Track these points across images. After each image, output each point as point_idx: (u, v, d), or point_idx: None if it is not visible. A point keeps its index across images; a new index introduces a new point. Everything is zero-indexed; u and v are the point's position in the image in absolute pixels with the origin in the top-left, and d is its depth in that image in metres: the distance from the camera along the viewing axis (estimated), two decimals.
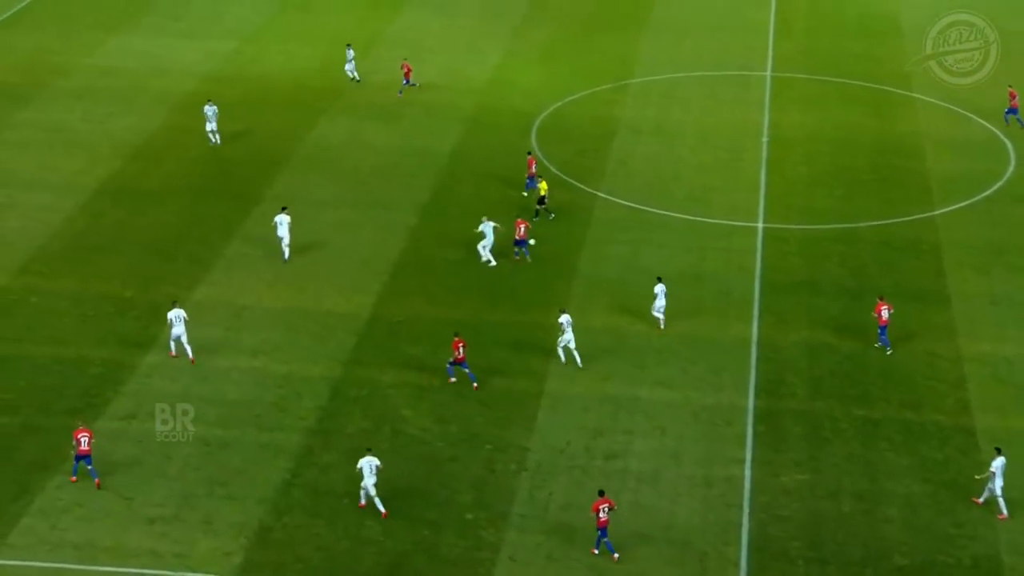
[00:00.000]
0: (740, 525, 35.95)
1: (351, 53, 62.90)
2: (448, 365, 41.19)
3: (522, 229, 47.89)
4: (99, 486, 36.48)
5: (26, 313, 44.70)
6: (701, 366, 42.50)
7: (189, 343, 42.01)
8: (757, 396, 41.08)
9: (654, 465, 38.00)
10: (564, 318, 42.05)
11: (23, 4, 72.50)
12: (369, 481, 35.86)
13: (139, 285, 46.17)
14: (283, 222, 47.72)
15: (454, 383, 41.06)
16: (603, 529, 34.40)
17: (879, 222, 51.66)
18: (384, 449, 38.36)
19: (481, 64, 65.86)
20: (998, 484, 36.07)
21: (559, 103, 61.77)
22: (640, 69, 65.78)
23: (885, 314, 42.95)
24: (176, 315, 42.08)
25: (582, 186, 54.02)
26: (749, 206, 52.67)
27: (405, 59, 62.34)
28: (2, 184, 53.51)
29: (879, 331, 43.08)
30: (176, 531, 35.18)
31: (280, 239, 47.65)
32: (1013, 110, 58.66)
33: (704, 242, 49.96)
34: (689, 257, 48.92)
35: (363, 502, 36.15)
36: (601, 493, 34.97)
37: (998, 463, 36.15)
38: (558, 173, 54.84)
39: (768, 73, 65.67)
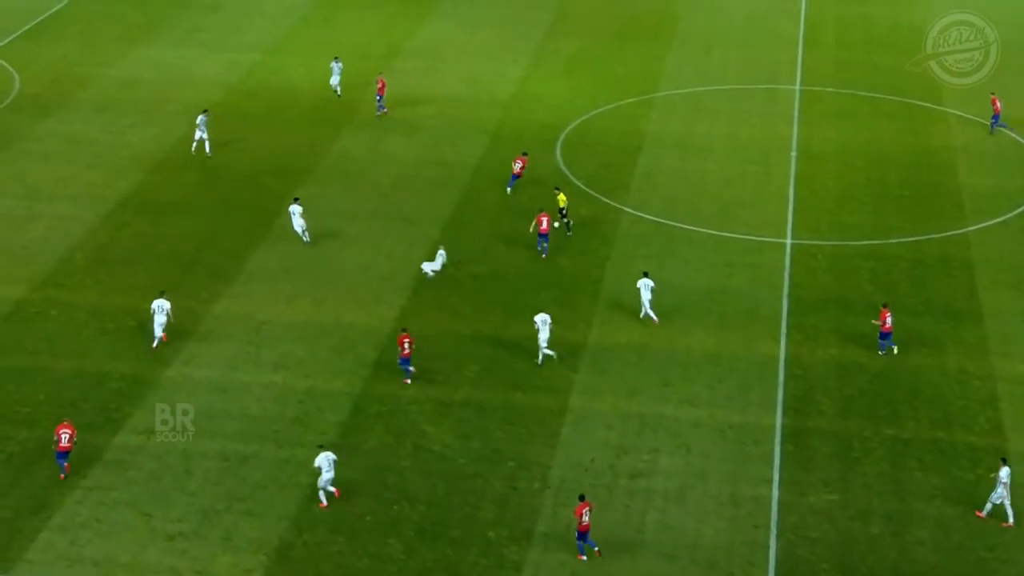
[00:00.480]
0: (767, 546, 35.81)
1: (338, 66, 62.66)
2: (401, 365, 41.77)
3: (544, 223, 48.78)
4: (64, 477, 37.27)
5: (47, 326, 44.97)
6: (728, 384, 42.41)
7: (166, 331, 43.45)
8: (785, 414, 40.95)
9: (680, 484, 37.91)
10: (539, 317, 42.52)
11: (46, 15, 73.12)
12: (327, 477, 36.46)
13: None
14: (296, 212, 49.55)
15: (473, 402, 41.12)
16: (584, 534, 34.83)
17: (911, 238, 51.49)
18: (406, 466, 38.46)
19: (505, 77, 66.01)
20: (1004, 494, 36.24)
21: (584, 116, 61.85)
22: (666, 82, 65.81)
23: (889, 321, 43.40)
24: (159, 305, 43.55)
25: (607, 200, 54.04)
26: (777, 221, 52.57)
27: (381, 74, 61.78)
28: (24, 195, 53.92)
29: (884, 337, 43.56)
30: (195, 547, 35.29)
31: (297, 230, 49.40)
32: (995, 116, 59.11)
33: (731, 258, 49.89)
34: (716, 273, 48.85)
35: (324, 502, 36.62)
36: (581, 498, 35.34)
37: (1004, 473, 36.33)
38: (583, 187, 54.89)
39: (797, 86, 65.59)
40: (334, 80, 62.75)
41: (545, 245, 48.97)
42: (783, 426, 40.41)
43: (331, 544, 35.59)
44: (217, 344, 43.95)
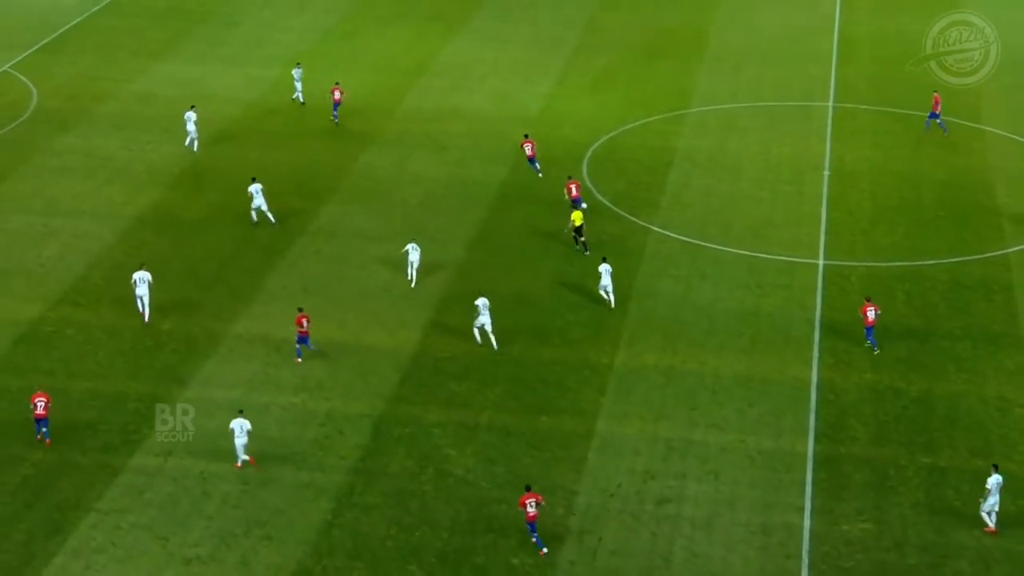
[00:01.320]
0: None
1: (298, 72, 63.61)
2: (299, 343, 43.85)
3: (573, 189, 52.71)
4: (48, 446, 39.52)
5: (62, 345, 45.26)
6: (758, 408, 42.28)
7: (149, 305, 45.83)
8: (817, 441, 40.78)
9: (708, 511, 37.80)
10: (480, 301, 44.24)
11: (64, 29, 73.82)
12: (240, 441, 38.61)
13: (178, 318, 46.66)
14: (257, 191, 52.08)
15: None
16: (532, 524, 35.83)
17: (947, 260, 51.27)
18: (428, 491, 38.49)
19: (532, 93, 66.20)
20: (995, 501, 36.50)
21: (613, 133, 61.95)
22: (697, 98, 65.85)
23: (871, 315, 44.38)
24: (140, 276, 45.92)
25: (635, 219, 54.07)
26: (810, 242, 52.46)
27: (337, 83, 62.50)
28: (41, 212, 54.34)
29: (866, 331, 44.64)
30: (212, 572, 35.36)
31: (256, 208, 52.11)
32: (934, 115, 60.73)
33: (762, 279, 49.81)
34: (746, 294, 48.76)
35: (239, 463, 38.79)
36: (528, 488, 36.27)
37: (993, 481, 36.44)
38: (611, 205, 54.95)
39: (830, 103, 65.53)
40: (298, 86, 63.44)
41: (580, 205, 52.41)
42: (815, 453, 40.23)
43: (350, 570, 35.62)
44: (236, 364, 44.14)
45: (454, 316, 47.06)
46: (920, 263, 51.09)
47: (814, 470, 39.49)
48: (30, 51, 70.53)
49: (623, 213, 54.49)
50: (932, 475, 39.38)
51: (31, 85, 66.24)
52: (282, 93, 65.81)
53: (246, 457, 38.92)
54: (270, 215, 52.40)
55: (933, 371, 44.07)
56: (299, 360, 43.96)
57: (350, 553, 36.21)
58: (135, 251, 51.39)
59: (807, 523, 37.43)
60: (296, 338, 44.07)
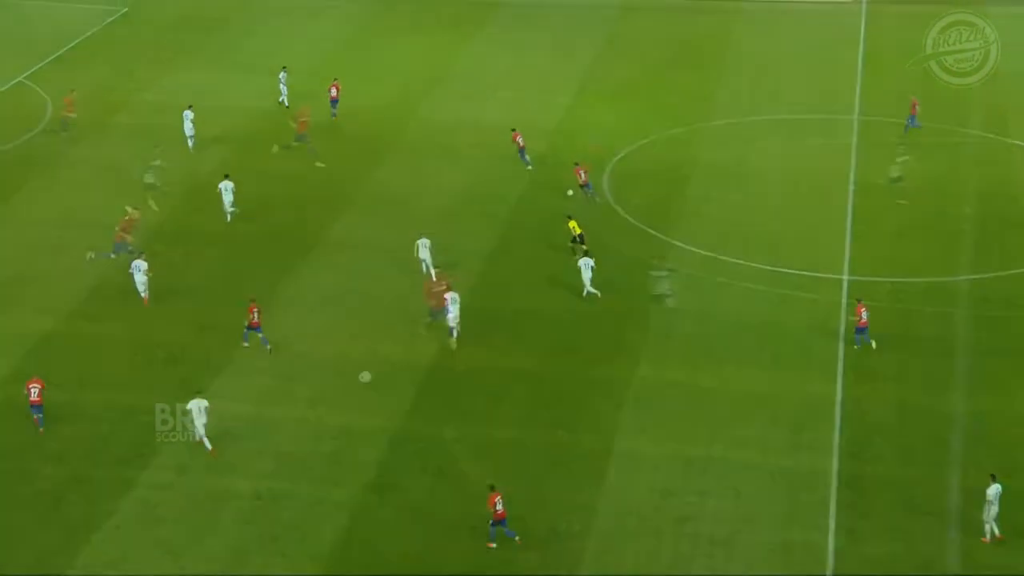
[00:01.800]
0: None
1: (284, 76, 64.99)
2: (251, 331, 45.21)
3: (582, 175, 55.07)
4: (42, 433, 40.70)
5: (75, 359, 45.51)
6: (780, 425, 42.24)
7: (148, 290, 47.81)
8: (841, 459, 40.71)
9: (729, 529, 37.76)
10: (449, 295, 45.68)
11: (79, 40, 74.37)
12: (199, 421, 39.66)
13: (191, 331, 46.90)
14: (227, 188, 53.93)
15: None
16: (502, 521, 36.24)
17: (976, 276, 51.17)
18: (444, 507, 38.50)
19: (551, 104, 66.38)
20: (993, 510, 36.69)
21: (633, 146, 62.05)
22: (719, 111, 65.93)
23: (864, 316, 45.32)
24: (136, 265, 47.96)
25: (656, 233, 54.12)
26: (834, 257, 52.41)
27: (335, 79, 63.75)
28: (55, 223, 54.66)
29: (859, 331, 45.48)
30: None
31: (225, 205, 53.86)
32: (911, 118, 62.08)
33: (785, 293, 49.80)
34: (769, 309, 48.74)
35: (210, 447, 39.56)
36: (492, 488, 36.54)
37: (993, 490, 36.58)
38: (630, 219, 55.04)
39: (855, 116, 65.52)
40: (283, 90, 64.30)
41: (589, 193, 54.96)
42: (839, 471, 40.16)
43: None
44: (249, 378, 44.32)
45: (471, 330, 47.11)
46: (947, 279, 51.01)
47: (838, 489, 39.42)
48: (45, 62, 71.07)
49: (643, 227, 54.55)
50: (959, 495, 39.25)
51: (46, 96, 66.70)
52: (297, 102, 66.06)
53: (204, 438, 39.84)
54: (229, 212, 53.94)
55: (960, 389, 43.95)
56: (245, 344, 45.17)
57: (365, 570, 36.27)
58: (149, 262, 51.54)
59: (830, 542, 37.36)
60: (247, 326, 45.13)
